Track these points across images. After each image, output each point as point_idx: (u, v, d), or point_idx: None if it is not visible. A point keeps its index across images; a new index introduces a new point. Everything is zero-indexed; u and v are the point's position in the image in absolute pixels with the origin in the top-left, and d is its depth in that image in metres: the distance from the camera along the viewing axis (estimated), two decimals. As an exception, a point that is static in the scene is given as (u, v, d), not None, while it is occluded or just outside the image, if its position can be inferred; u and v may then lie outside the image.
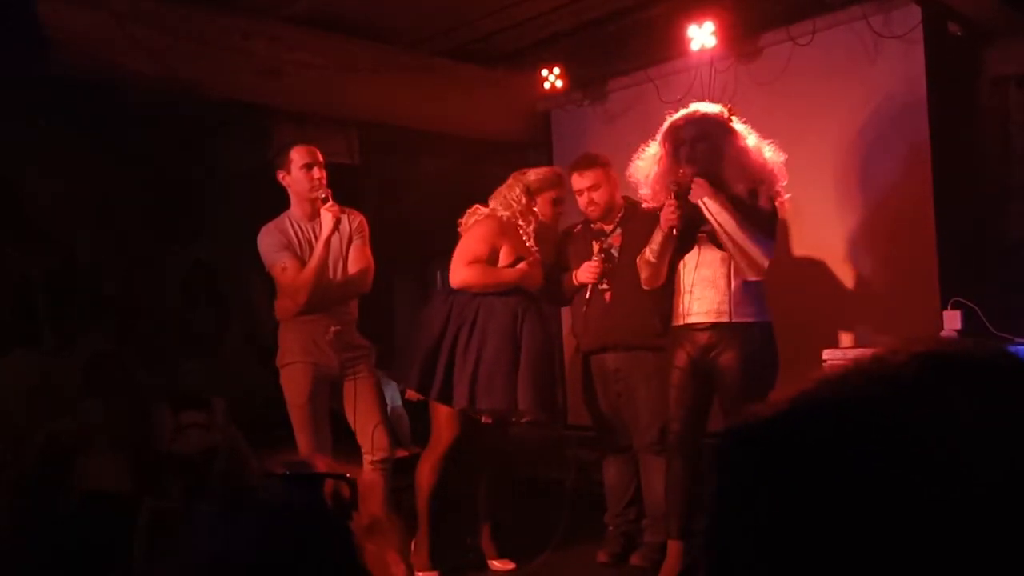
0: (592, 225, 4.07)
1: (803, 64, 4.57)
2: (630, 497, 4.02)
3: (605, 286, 3.95)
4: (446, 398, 3.73)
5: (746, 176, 3.43)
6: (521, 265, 3.80)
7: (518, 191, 3.91)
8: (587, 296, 3.95)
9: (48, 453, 4.19)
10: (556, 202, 3.97)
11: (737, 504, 0.59)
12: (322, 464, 1.04)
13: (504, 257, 3.83)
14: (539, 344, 3.75)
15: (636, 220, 3.84)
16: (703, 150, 3.44)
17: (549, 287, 4.07)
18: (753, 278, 3.44)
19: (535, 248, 3.91)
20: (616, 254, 3.97)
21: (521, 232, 3.88)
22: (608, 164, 4.02)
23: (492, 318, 3.73)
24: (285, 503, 0.96)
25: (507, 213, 3.88)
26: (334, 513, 0.97)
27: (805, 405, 0.60)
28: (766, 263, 3.43)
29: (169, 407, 4.94)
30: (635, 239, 3.75)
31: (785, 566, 0.55)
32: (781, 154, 3.54)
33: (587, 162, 4.02)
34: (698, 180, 3.42)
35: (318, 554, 0.92)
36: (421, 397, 3.89)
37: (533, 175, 3.97)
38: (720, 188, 3.45)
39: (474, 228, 3.89)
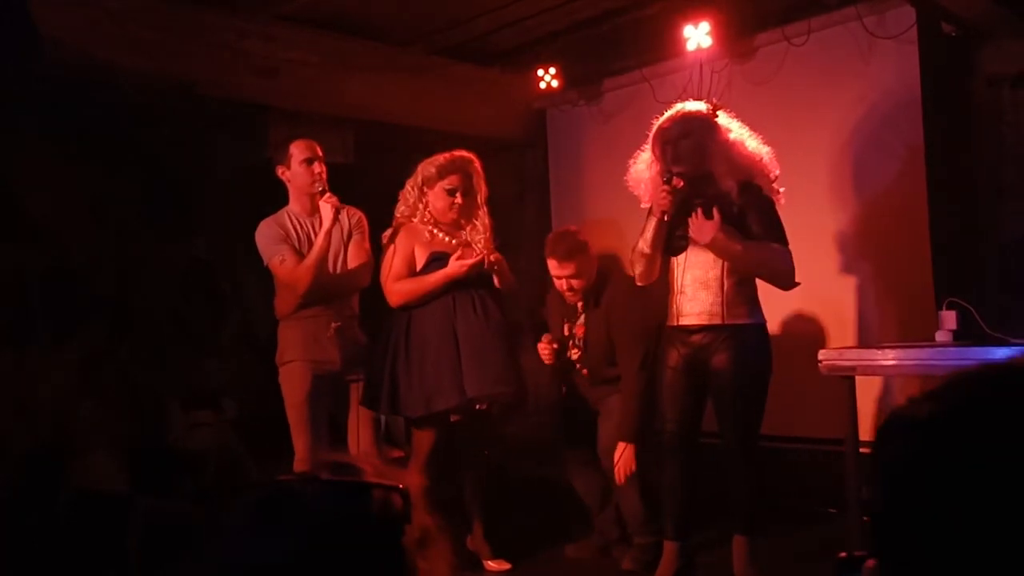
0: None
1: (798, 64, 4.58)
2: (603, 502, 4.00)
3: (582, 368, 3.92)
4: (395, 410, 3.71)
5: (734, 169, 3.41)
6: (448, 268, 3.64)
7: (410, 186, 3.76)
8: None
9: (38, 453, 4.18)
10: (450, 192, 3.69)
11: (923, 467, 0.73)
12: (369, 468, 0.93)
13: (418, 259, 3.73)
14: (476, 328, 3.65)
15: (602, 304, 3.80)
16: (687, 147, 3.40)
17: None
18: (788, 288, 3.44)
19: (444, 238, 3.75)
20: (582, 345, 3.90)
21: (422, 229, 3.75)
22: (586, 245, 3.82)
23: (427, 321, 3.67)
24: (329, 512, 0.86)
25: (398, 214, 3.79)
26: (384, 526, 0.88)
27: (957, 383, 0.75)
28: (791, 268, 3.40)
29: (180, 405, 4.94)
30: (596, 328, 3.80)
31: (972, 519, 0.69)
32: (766, 147, 3.50)
33: (566, 251, 3.77)
34: (704, 224, 3.34)
35: (366, 571, 0.84)
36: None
37: (423, 168, 3.75)
38: (708, 184, 3.41)
39: (389, 242, 3.79)
